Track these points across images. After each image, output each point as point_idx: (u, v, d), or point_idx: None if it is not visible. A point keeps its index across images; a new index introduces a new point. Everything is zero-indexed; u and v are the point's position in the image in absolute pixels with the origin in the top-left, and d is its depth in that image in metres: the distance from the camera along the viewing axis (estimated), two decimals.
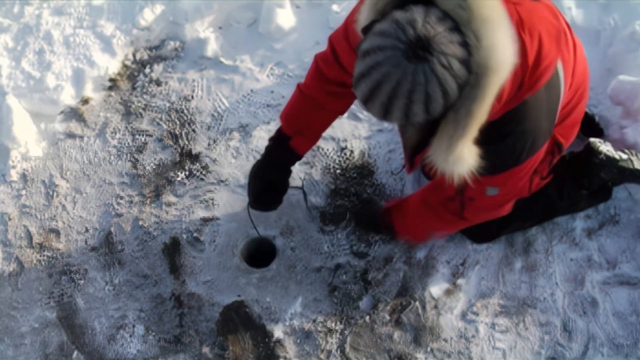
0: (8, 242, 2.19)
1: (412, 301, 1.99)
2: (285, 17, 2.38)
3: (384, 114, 1.13)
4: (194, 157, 2.25)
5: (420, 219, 1.82)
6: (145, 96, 2.38)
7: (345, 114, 1.83)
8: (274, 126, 2.23)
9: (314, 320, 1.99)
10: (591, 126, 2.04)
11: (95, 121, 2.36)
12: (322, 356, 1.95)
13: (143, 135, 2.31)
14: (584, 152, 1.90)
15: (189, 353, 1.99)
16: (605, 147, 1.87)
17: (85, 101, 2.39)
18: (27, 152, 2.30)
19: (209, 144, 2.26)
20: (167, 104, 2.35)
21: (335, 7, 2.38)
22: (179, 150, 2.26)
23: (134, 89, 2.40)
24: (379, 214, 2.00)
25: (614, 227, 2.01)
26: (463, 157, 1.20)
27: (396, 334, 1.96)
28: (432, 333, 1.95)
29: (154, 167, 2.25)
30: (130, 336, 2.02)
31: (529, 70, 1.23)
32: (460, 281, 2.00)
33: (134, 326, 2.03)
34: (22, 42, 2.47)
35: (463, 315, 1.97)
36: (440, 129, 1.19)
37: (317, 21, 2.41)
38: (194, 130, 2.29)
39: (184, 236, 2.12)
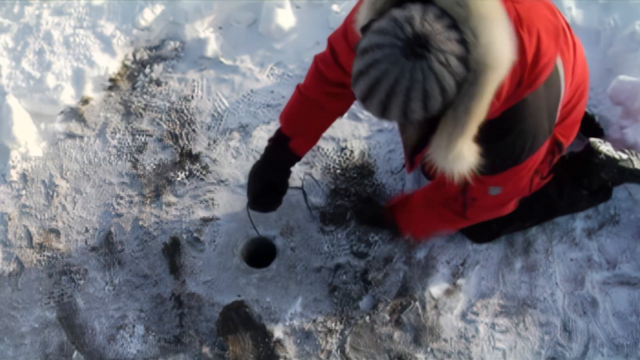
0: (8, 242, 2.19)
1: (412, 301, 1.99)
2: (285, 17, 2.38)
3: (382, 112, 1.13)
4: (194, 157, 2.25)
5: (422, 218, 1.82)
6: (145, 96, 2.38)
7: (345, 114, 1.83)
8: (274, 126, 2.23)
9: (314, 320, 1.99)
10: (591, 126, 2.04)
11: (95, 121, 2.36)
12: (322, 356, 1.95)
13: (143, 135, 2.31)
14: (584, 152, 1.90)
15: (189, 353, 1.99)
16: (605, 147, 1.87)
17: (85, 101, 2.39)
18: (27, 152, 2.31)
19: (209, 144, 2.26)
20: (167, 104, 2.35)
21: (335, 7, 2.38)
22: (179, 150, 2.26)
23: (134, 89, 2.40)
24: (382, 211, 2.00)
25: (614, 227, 2.01)
26: (463, 155, 1.19)
27: (396, 334, 1.96)
28: (432, 333, 1.95)
29: (154, 167, 2.25)
30: (130, 336, 2.02)
31: (528, 68, 1.23)
32: (460, 281, 2.00)
33: (134, 326, 2.03)
34: (22, 42, 2.47)
35: (463, 316, 1.97)
36: (440, 127, 1.19)
37: (317, 21, 2.41)
38: (194, 130, 2.29)
39: (184, 236, 2.12)
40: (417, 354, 1.94)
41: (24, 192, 2.26)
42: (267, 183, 1.81)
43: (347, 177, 2.17)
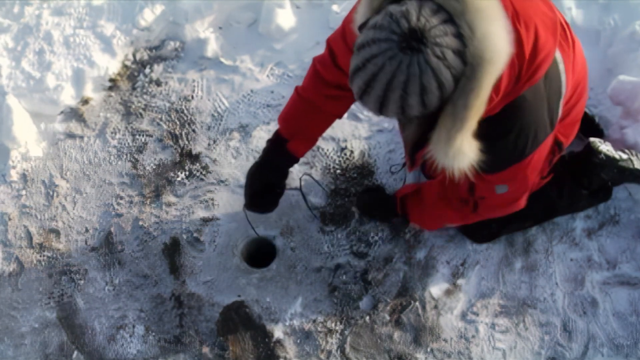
0: (8, 242, 2.19)
1: (412, 301, 1.99)
2: (285, 17, 2.38)
3: (380, 108, 1.13)
4: (194, 157, 2.25)
5: (436, 211, 1.81)
6: (145, 96, 2.38)
7: (345, 115, 1.83)
8: (273, 126, 2.23)
9: (314, 321, 1.99)
10: (591, 126, 2.04)
11: (95, 121, 2.36)
12: (322, 356, 1.95)
13: (143, 135, 2.31)
14: (584, 152, 1.90)
15: (189, 353, 1.99)
16: (605, 147, 1.87)
17: (85, 101, 2.39)
18: (27, 152, 2.31)
19: (209, 144, 2.26)
20: (167, 104, 2.35)
21: (335, 8, 2.38)
22: (179, 151, 2.26)
23: (134, 89, 2.40)
24: (390, 201, 1.98)
25: (614, 227, 2.01)
26: (463, 151, 1.19)
27: (396, 334, 1.96)
28: (432, 333, 1.95)
29: (154, 167, 2.25)
30: (130, 336, 2.02)
31: (526, 62, 1.23)
32: (460, 281, 2.00)
33: (134, 326, 2.03)
34: (22, 42, 2.47)
35: (463, 316, 1.97)
36: (439, 123, 1.18)
37: (317, 21, 2.41)
38: (194, 131, 2.29)
39: (184, 236, 2.12)
40: (417, 354, 1.94)
41: (24, 192, 2.26)
42: (264, 184, 1.81)
43: (347, 177, 2.17)
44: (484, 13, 1.07)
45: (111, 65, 2.41)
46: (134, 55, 2.46)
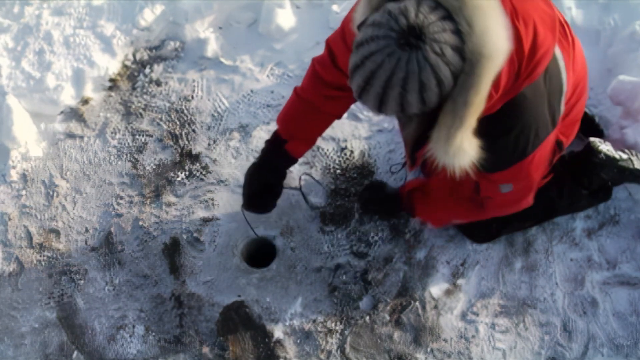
0: (8, 242, 2.19)
1: (412, 301, 1.99)
2: (285, 17, 2.38)
3: (380, 106, 1.13)
4: (194, 157, 2.25)
5: (444, 207, 1.80)
6: (145, 96, 2.38)
7: (345, 115, 1.83)
8: (273, 126, 2.22)
9: (314, 321, 1.99)
10: (591, 126, 2.04)
11: (95, 121, 2.36)
12: (322, 356, 1.95)
13: (143, 135, 2.31)
14: (584, 152, 1.90)
15: (189, 353, 1.99)
16: (605, 147, 1.87)
17: (85, 101, 2.39)
18: (27, 152, 2.31)
19: (209, 144, 2.26)
20: (167, 104, 2.35)
21: (335, 8, 2.38)
22: (179, 151, 2.26)
23: (134, 89, 2.40)
24: (394, 197, 1.98)
25: (614, 227, 2.01)
26: (463, 149, 1.19)
27: (396, 334, 1.96)
28: (432, 333, 1.95)
29: (154, 167, 2.25)
30: (130, 336, 2.02)
31: (525, 59, 1.23)
32: (460, 281, 2.00)
33: (134, 326, 2.03)
34: (22, 42, 2.47)
35: (463, 316, 1.97)
36: (439, 121, 1.18)
37: (317, 21, 2.41)
38: (194, 131, 2.29)
39: (184, 236, 2.12)
40: (417, 354, 1.94)
41: (24, 192, 2.26)
42: (262, 185, 1.81)
43: (347, 177, 2.17)
44: (482, 9, 1.07)
45: (111, 65, 2.41)
46: (134, 55, 2.46)
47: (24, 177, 2.28)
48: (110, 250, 2.13)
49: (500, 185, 1.51)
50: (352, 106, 1.82)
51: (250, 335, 1.99)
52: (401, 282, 2.01)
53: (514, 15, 1.21)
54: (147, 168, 2.25)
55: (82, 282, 2.10)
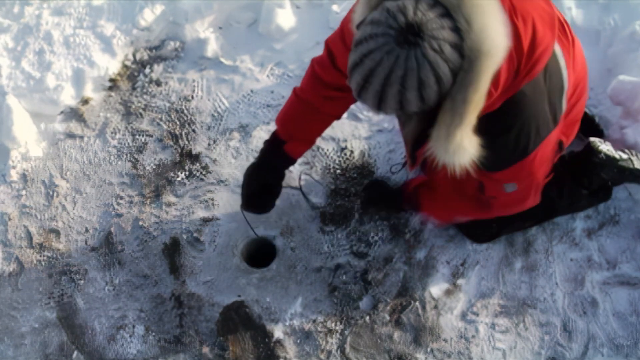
0: (8, 242, 2.19)
1: (412, 301, 1.99)
2: (285, 17, 2.38)
3: (379, 104, 1.13)
4: (194, 157, 2.25)
5: (451, 205, 1.79)
6: (145, 96, 2.38)
7: (345, 115, 1.83)
8: (273, 126, 2.21)
9: (314, 321, 1.99)
10: (591, 126, 2.04)
11: (95, 121, 2.36)
12: (322, 356, 1.95)
13: (143, 135, 2.31)
14: (584, 152, 1.90)
15: (189, 353, 1.99)
16: (605, 147, 1.87)
17: (85, 101, 2.39)
18: (27, 152, 2.31)
19: (209, 144, 2.26)
20: (167, 104, 2.35)
21: (335, 8, 2.38)
22: (179, 151, 2.26)
23: (134, 89, 2.40)
24: (398, 193, 1.97)
25: (614, 227, 2.01)
26: (463, 147, 1.19)
27: (396, 334, 1.96)
28: (432, 333, 1.95)
29: (154, 167, 2.25)
30: (130, 336, 2.02)
31: (525, 56, 1.23)
32: (460, 281, 2.00)
33: (134, 326, 2.03)
34: (22, 42, 2.47)
35: (463, 316, 1.97)
36: (438, 119, 1.18)
37: (317, 21, 2.41)
38: (194, 131, 2.29)
39: (184, 236, 2.12)
40: (417, 354, 1.94)
41: (24, 192, 2.26)
42: (261, 185, 1.81)
43: (347, 177, 2.17)
44: (480, 7, 1.07)
45: (111, 65, 2.41)
46: (134, 55, 2.46)
47: (24, 177, 2.28)
48: (110, 250, 2.13)
49: (505, 185, 1.51)
50: (352, 106, 1.82)
51: (250, 335, 1.99)
52: (401, 282, 2.01)
53: (513, 12, 1.21)
54: (147, 168, 2.25)
55: (82, 282, 2.10)
